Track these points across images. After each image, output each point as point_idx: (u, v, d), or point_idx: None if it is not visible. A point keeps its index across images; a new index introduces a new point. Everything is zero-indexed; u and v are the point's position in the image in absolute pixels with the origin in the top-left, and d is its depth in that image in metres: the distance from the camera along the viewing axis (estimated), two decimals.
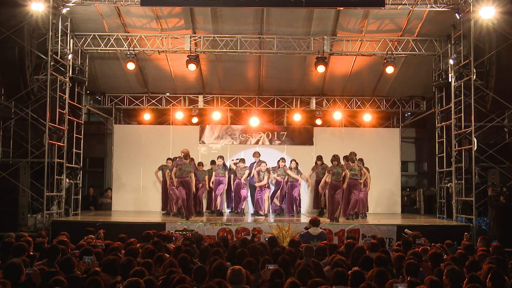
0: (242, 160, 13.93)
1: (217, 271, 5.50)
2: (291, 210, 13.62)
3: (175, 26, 13.49)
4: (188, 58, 13.28)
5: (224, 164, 14.06)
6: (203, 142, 16.13)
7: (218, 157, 14.14)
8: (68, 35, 12.90)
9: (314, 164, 14.28)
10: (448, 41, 13.24)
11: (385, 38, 13.57)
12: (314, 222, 9.66)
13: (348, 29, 13.51)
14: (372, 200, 14.65)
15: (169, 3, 12.27)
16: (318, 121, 16.40)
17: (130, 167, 15.75)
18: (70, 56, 12.96)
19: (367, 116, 16.37)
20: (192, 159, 13.17)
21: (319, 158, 13.94)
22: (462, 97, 12.27)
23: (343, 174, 12.32)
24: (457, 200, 12.53)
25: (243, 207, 13.87)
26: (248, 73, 15.47)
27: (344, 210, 12.42)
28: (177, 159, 12.75)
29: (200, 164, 14.31)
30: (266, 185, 13.51)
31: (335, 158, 12.33)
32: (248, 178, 13.97)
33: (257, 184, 13.53)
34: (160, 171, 14.27)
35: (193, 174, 12.42)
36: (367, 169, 13.17)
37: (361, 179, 12.69)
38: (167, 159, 14.24)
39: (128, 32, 13.63)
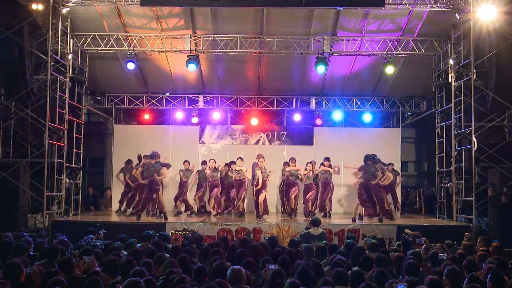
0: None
1: (217, 271, 5.50)
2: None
3: (175, 26, 13.50)
4: (188, 58, 13.28)
5: (216, 167, 13.67)
6: (203, 142, 16.14)
7: (210, 159, 13.85)
8: (68, 35, 12.90)
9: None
10: (448, 41, 13.24)
11: (385, 38, 13.57)
12: (315, 222, 9.66)
13: (348, 29, 13.51)
14: None
15: (169, 3, 12.29)
16: (318, 121, 16.40)
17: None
18: (70, 56, 12.96)
19: (367, 116, 16.38)
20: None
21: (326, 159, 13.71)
22: (462, 97, 12.26)
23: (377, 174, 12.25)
24: (457, 200, 12.53)
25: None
26: (248, 73, 15.47)
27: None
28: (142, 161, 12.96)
29: (187, 162, 14.03)
30: (262, 186, 12.85)
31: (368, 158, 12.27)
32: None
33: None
34: (122, 173, 14.35)
35: (159, 171, 12.41)
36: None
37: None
38: (126, 162, 14.29)
39: (128, 32, 13.63)
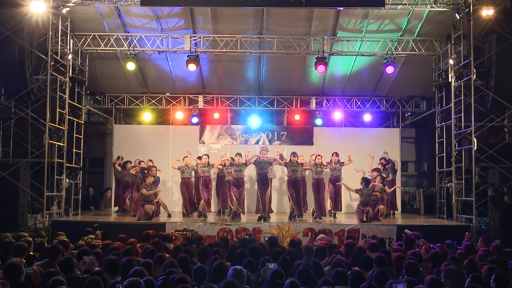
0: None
1: (217, 271, 5.49)
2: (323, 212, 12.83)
3: (175, 26, 13.50)
4: (188, 58, 13.28)
5: (208, 163, 13.33)
6: (203, 142, 16.13)
7: (203, 155, 13.57)
8: (68, 35, 12.90)
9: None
10: (448, 41, 13.23)
11: (385, 38, 13.58)
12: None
13: (348, 29, 13.51)
14: None
15: (169, 3, 12.28)
16: (318, 121, 16.40)
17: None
18: (70, 56, 12.95)
19: (367, 116, 16.38)
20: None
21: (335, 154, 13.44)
22: (462, 97, 12.26)
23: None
24: (457, 200, 12.52)
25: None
26: (248, 73, 15.47)
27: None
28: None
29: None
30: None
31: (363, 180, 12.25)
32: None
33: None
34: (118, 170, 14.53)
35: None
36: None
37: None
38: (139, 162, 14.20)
39: (128, 32, 13.63)
